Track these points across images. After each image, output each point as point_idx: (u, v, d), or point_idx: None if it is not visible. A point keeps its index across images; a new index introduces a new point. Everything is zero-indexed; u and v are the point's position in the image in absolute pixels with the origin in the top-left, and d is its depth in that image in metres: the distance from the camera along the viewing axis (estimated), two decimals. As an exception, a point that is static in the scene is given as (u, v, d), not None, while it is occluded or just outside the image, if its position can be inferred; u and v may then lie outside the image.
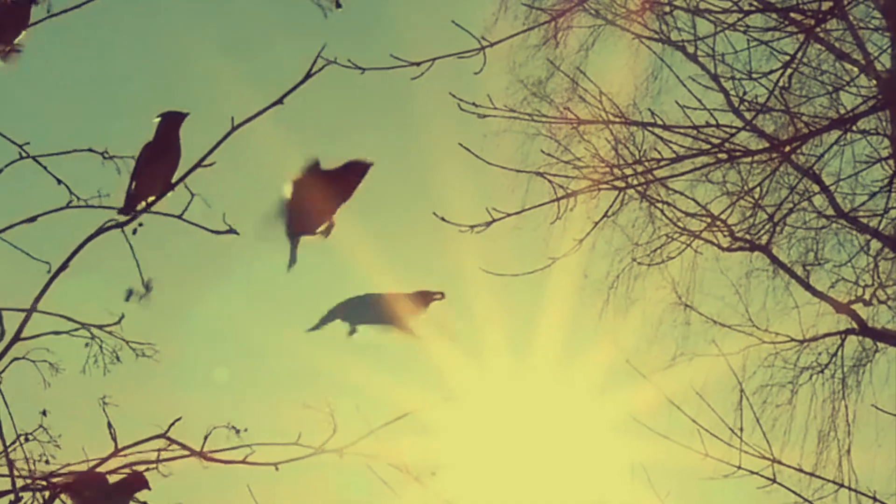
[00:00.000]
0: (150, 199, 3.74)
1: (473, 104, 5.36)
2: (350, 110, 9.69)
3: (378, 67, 4.92)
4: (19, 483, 4.02)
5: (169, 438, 4.17)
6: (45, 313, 4.09)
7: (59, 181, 3.95)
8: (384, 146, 10.29)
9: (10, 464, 3.97)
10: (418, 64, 4.90)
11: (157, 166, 3.72)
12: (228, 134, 3.65)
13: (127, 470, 4.18)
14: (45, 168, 3.95)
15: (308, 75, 3.59)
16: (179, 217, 3.77)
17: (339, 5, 3.84)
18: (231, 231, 3.76)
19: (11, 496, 3.93)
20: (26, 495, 4.02)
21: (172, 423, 4.17)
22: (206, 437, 4.14)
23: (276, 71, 3.66)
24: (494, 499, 5.74)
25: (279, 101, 3.63)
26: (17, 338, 3.96)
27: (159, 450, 4.15)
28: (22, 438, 4.26)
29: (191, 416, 4.29)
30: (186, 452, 4.17)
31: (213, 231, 3.75)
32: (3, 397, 4.08)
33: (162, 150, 3.72)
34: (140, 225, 3.78)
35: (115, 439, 4.17)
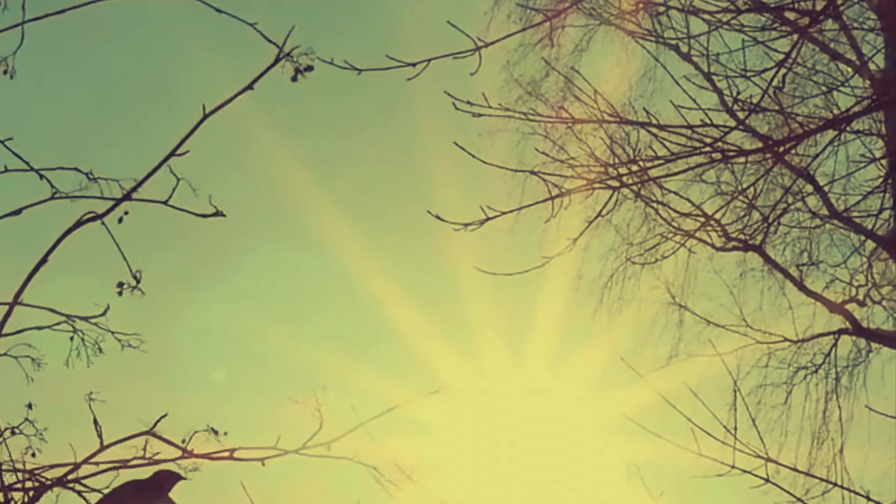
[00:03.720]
0: None
1: (468, 103, 5.37)
2: (346, 111, 9.70)
3: (374, 68, 4.92)
4: (7, 478, 4.01)
5: (155, 435, 4.17)
6: (30, 306, 4.09)
7: (42, 176, 3.95)
8: (379, 146, 10.30)
9: None
10: (414, 65, 4.91)
11: None
12: (200, 122, 3.66)
13: (112, 465, 4.18)
14: (28, 165, 3.95)
15: (277, 59, 3.59)
16: (165, 203, 3.77)
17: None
18: (218, 213, 3.76)
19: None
20: (17, 495, 4.02)
21: (158, 420, 4.17)
22: (183, 441, 4.13)
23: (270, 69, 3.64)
24: (488, 498, 5.75)
25: (249, 87, 3.63)
26: (-2, 334, 3.95)
27: (144, 450, 4.15)
28: (8, 432, 4.26)
29: (179, 412, 4.30)
30: (173, 450, 4.17)
31: (199, 214, 3.75)
32: None
33: None
34: (126, 213, 3.77)
35: (100, 436, 4.18)
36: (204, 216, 3.77)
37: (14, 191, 4.08)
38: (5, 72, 4.00)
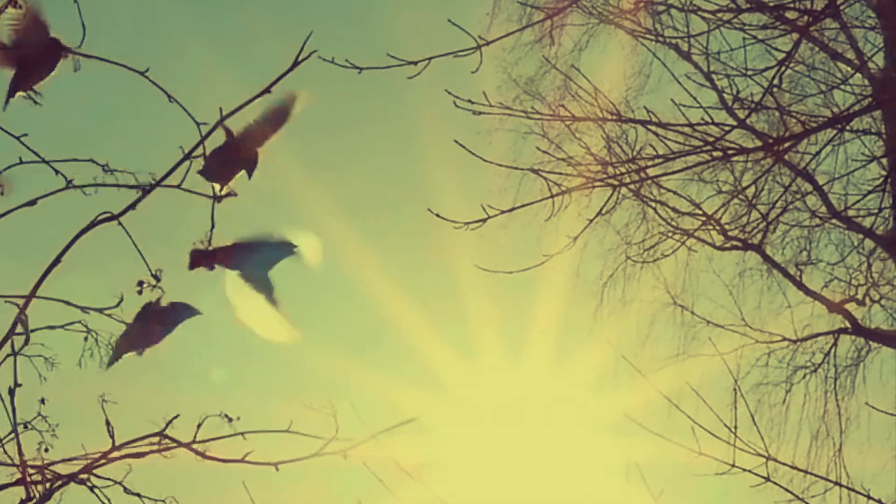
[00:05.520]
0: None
1: (469, 101, 5.37)
2: (344, 108, 9.70)
3: (375, 67, 4.92)
4: (14, 472, 4.01)
5: (166, 436, 4.16)
6: (44, 298, 4.08)
7: (57, 171, 3.94)
8: (377, 144, 10.30)
9: (22, 460, 3.97)
10: (415, 63, 4.91)
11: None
12: (217, 124, 3.63)
13: (125, 462, 4.18)
14: (42, 160, 3.94)
15: (295, 63, 3.55)
16: (178, 187, 3.75)
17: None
18: (231, 194, 3.75)
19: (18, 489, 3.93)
20: (32, 490, 4.01)
21: (170, 421, 4.16)
22: (198, 426, 4.12)
23: (273, 70, 3.64)
24: (489, 497, 5.75)
25: (267, 90, 3.61)
26: (11, 332, 3.94)
27: (158, 446, 4.14)
28: (20, 427, 4.25)
29: (190, 414, 4.28)
30: (184, 450, 4.16)
31: (212, 197, 3.73)
32: None
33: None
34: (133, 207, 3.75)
35: (112, 436, 4.17)
36: (218, 199, 3.75)
37: (30, 186, 4.08)
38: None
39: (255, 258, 3.78)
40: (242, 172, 3.75)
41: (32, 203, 3.84)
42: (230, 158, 3.72)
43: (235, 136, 3.67)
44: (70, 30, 3.78)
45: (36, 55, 3.78)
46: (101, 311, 4.29)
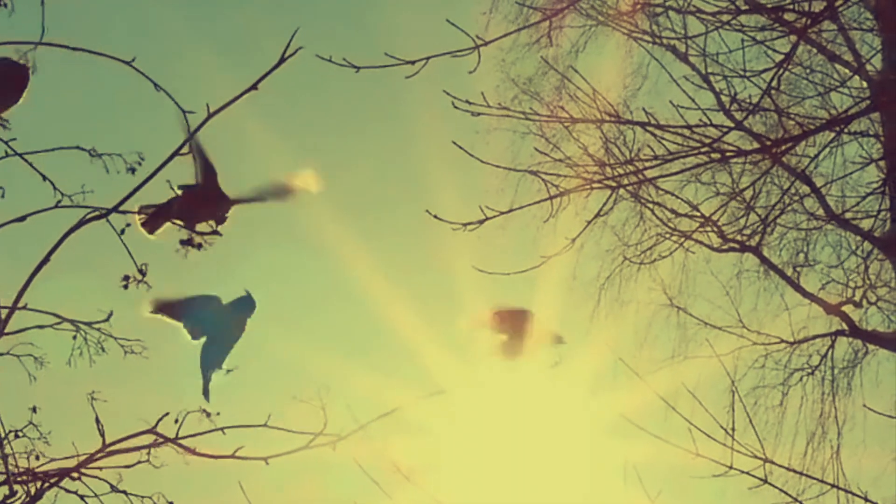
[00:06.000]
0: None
1: (467, 101, 5.36)
2: (341, 108, 9.69)
3: (373, 66, 4.91)
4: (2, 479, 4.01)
5: (157, 434, 4.15)
6: (33, 311, 4.09)
7: (45, 177, 3.95)
8: (373, 145, 10.29)
9: (5, 458, 3.97)
10: (413, 62, 4.90)
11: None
12: (204, 122, 3.64)
13: (116, 461, 4.18)
14: (30, 165, 3.95)
15: (282, 59, 3.55)
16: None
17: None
18: (215, 233, 3.79)
19: (6, 489, 3.92)
20: (19, 489, 4.01)
21: (160, 419, 4.16)
22: (176, 420, 4.12)
23: (266, 68, 3.64)
24: (486, 499, 5.74)
25: (254, 87, 3.61)
26: (0, 333, 3.94)
27: (149, 445, 4.14)
28: (11, 435, 4.25)
29: (180, 411, 4.27)
30: (175, 450, 4.16)
31: (199, 233, 3.77)
32: None
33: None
34: (128, 225, 3.79)
35: (102, 434, 4.16)
36: (203, 234, 3.78)
37: (15, 192, 4.08)
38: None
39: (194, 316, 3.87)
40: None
41: (22, 219, 3.85)
42: (201, 207, 3.76)
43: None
44: (64, 28, 3.78)
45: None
46: (90, 324, 4.31)
